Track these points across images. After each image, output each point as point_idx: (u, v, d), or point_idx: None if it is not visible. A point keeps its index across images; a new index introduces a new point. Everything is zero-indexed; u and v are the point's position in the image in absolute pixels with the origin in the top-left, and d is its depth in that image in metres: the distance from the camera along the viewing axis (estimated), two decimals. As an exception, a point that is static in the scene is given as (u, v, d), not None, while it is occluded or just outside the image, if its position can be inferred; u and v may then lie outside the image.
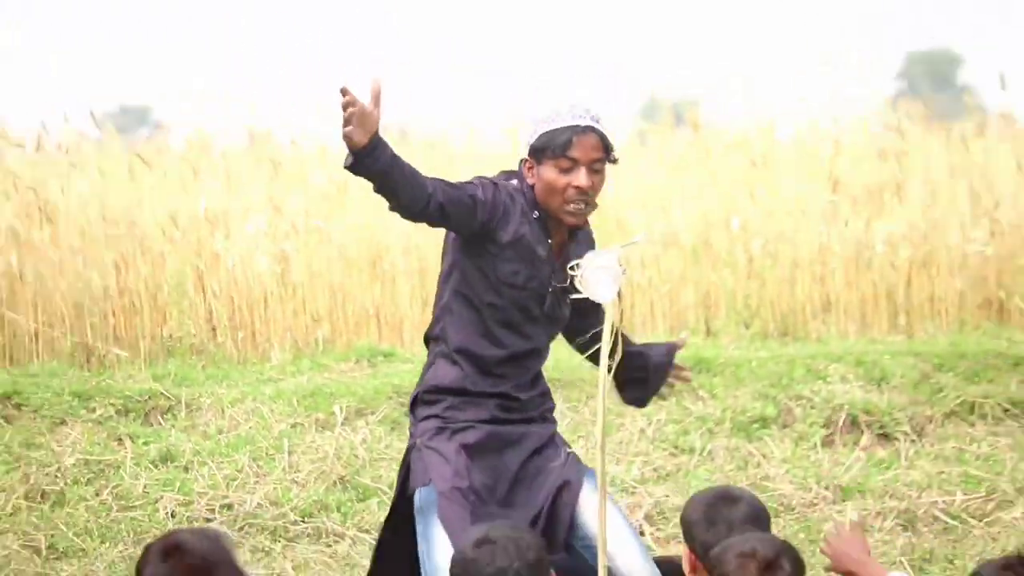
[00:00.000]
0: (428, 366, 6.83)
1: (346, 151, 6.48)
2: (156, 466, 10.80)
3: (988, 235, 13.49)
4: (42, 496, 10.56)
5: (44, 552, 10.11)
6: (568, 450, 6.78)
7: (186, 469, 10.79)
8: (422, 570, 6.56)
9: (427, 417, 6.75)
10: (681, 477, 10.99)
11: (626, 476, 10.83)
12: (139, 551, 6.20)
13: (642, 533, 10.16)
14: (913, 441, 11.46)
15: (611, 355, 6.01)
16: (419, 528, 6.58)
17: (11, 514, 10.42)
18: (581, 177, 6.55)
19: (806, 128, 15.26)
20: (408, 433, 6.98)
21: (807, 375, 11.86)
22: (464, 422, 6.70)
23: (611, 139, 6.62)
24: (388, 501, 10.49)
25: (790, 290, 13.38)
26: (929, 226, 13.52)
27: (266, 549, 10.26)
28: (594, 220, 7.25)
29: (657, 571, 6.60)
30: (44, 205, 13.01)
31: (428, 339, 6.88)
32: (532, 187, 6.66)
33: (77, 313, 12.59)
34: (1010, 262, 13.47)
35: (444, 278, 6.80)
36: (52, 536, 10.24)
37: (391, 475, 10.74)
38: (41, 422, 11.13)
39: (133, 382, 11.71)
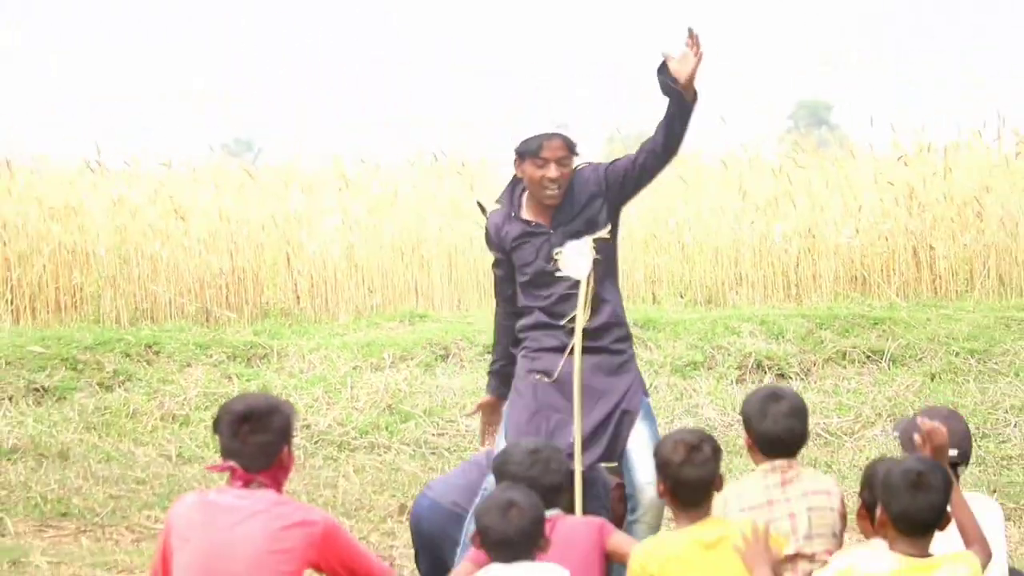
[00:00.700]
0: (517, 321, 6.71)
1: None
2: (255, 397, 10.71)
3: (854, 231, 13.38)
4: (173, 418, 10.52)
5: (174, 459, 10.07)
6: (631, 382, 6.56)
7: (277, 399, 10.68)
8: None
9: (519, 351, 6.66)
10: (634, 405, 10.80)
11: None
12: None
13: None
14: (802, 379, 11.31)
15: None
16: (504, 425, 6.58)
17: (151, 431, 10.40)
18: (551, 170, 6.55)
19: (724, 153, 15.17)
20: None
21: (725, 331, 11.69)
22: (541, 349, 6.57)
23: (573, 140, 6.60)
24: (425, 424, 10.53)
25: (713, 270, 13.27)
26: (812, 225, 13.43)
27: (334, 457, 10.20)
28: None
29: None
30: (178, 208, 12.92)
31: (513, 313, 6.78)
32: (520, 180, 6.65)
33: (200, 286, 12.52)
34: (870, 250, 13.35)
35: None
36: (180, 447, 10.22)
37: (426, 403, 10.74)
38: (173, 364, 11.05)
39: (239, 336, 11.65)
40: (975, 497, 5.73)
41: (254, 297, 12.55)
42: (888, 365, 11.46)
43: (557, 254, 6.53)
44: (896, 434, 5.87)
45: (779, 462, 5.75)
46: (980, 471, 10.04)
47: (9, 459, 9.83)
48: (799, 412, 5.81)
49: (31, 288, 12.25)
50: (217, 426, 5.29)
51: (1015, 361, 11.45)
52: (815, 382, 11.28)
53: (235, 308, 12.44)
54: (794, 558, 5.57)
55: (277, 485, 5.30)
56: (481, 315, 12.00)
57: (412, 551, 6.91)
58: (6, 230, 12.40)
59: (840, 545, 5.65)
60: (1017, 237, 13.37)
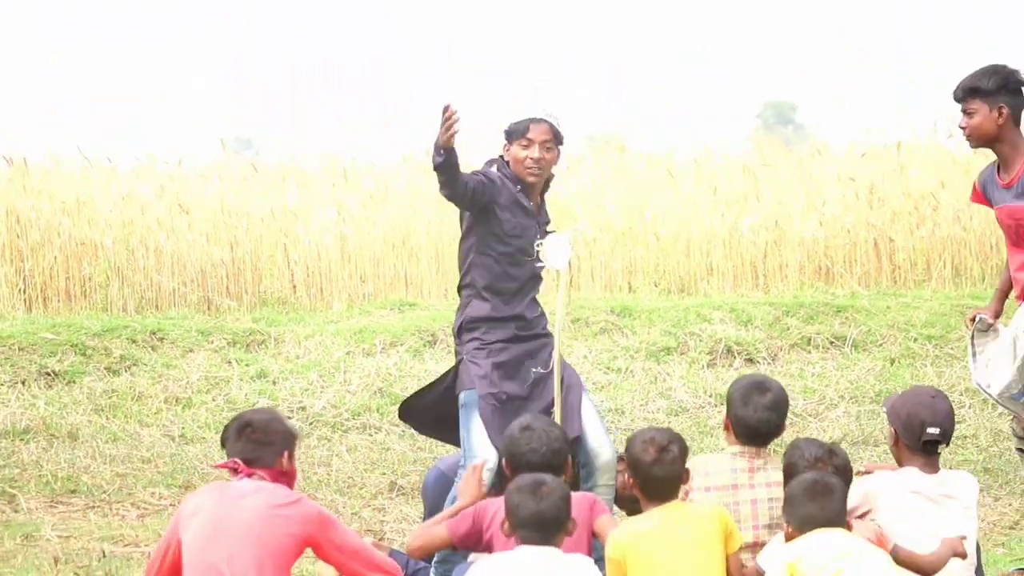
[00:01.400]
0: (464, 306, 6.70)
1: (438, 153, 6.41)
2: (254, 380, 10.70)
3: (818, 224, 13.33)
4: (176, 401, 10.45)
5: (177, 439, 10.02)
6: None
7: (274, 383, 10.67)
8: (463, 447, 6.54)
9: (470, 340, 6.62)
10: (612, 389, 10.81)
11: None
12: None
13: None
14: (769, 364, 11.24)
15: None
16: (461, 418, 6.56)
17: (156, 413, 10.33)
18: (535, 151, 6.57)
19: (696, 152, 15.13)
20: (454, 352, 6.80)
21: (697, 318, 11.63)
22: (496, 342, 6.58)
23: (560, 130, 6.62)
24: None
25: (686, 261, 13.19)
26: (778, 218, 13.36)
27: (328, 437, 10.14)
28: (553, 213, 7.20)
29: (612, 446, 6.60)
30: (182, 202, 12.81)
31: (460, 288, 6.75)
32: (507, 163, 6.65)
33: (202, 276, 12.38)
34: (833, 242, 13.29)
35: (464, 243, 6.71)
36: (183, 428, 10.15)
37: (415, 386, 10.53)
38: (176, 350, 10.96)
39: (239, 323, 11.56)
40: (957, 474, 5.71)
41: (253, 286, 12.43)
42: (850, 350, 11.43)
43: (538, 246, 6.55)
44: (885, 409, 5.85)
45: (749, 448, 5.71)
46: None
47: (22, 439, 9.80)
48: (779, 406, 5.77)
49: (43, 278, 12.18)
50: (224, 441, 5.42)
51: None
52: (781, 366, 11.22)
53: (235, 297, 12.34)
54: (752, 546, 5.50)
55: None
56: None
57: (405, 525, 6.95)
58: (20, 223, 12.31)
59: None
60: (970, 230, 13.35)
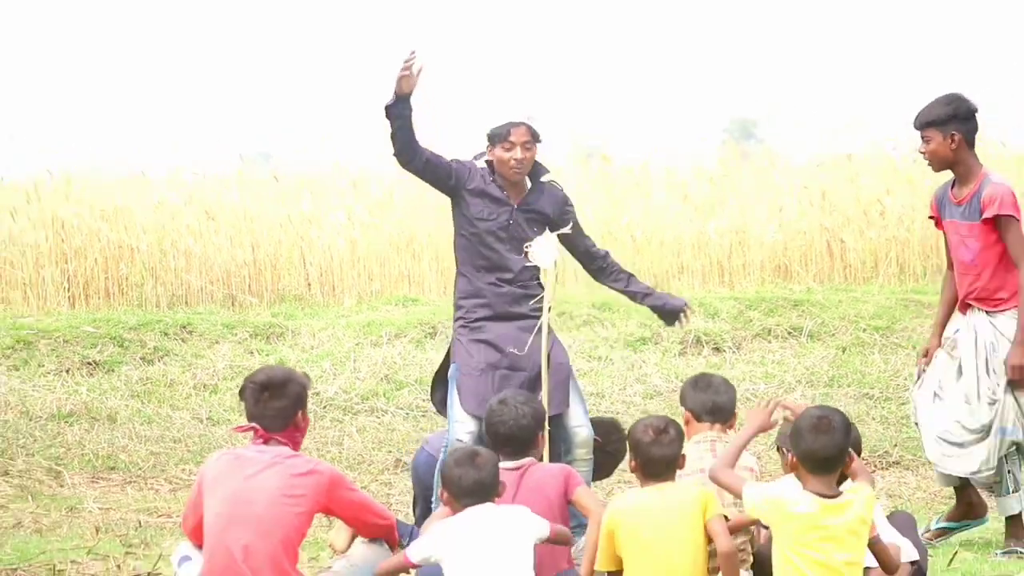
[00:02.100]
0: (455, 287, 6.72)
1: (391, 95, 6.39)
2: (273, 368, 10.66)
3: (777, 227, 13.37)
4: (204, 387, 10.46)
5: (205, 421, 10.03)
6: (553, 341, 6.57)
7: (292, 370, 10.63)
8: (448, 414, 6.51)
9: (458, 318, 6.63)
10: (593, 375, 10.83)
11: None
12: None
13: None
14: (734, 352, 11.29)
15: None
16: (450, 389, 6.52)
17: (186, 398, 10.35)
18: (516, 152, 6.57)
19: (669, 162, 15.14)
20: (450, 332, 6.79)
21: (669, 312, 11.61)
22: (476, 320, 6.55)
23: (538, 130, 6.61)
24: (417, 391, 10.49)
25: (659, 260, 13.23)
26: (742, 222, 13.41)
27: (339, 419, 10.16)
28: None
29: (590, 425, 6.57)
30: (208, 208, 12.84)
31: (456, 274, 6.76)
32: (490, 162, 6.64)
33: (227, 276, 12.41)
34: (791, 243, 13.34)
35: (455, 230, 6.72)
36: (210, 412, 10.17)
37: (417, 373, 10.67)
38: (204, 342, 10.99)
39: (260, 318, 11.58)
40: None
41: (272, 285, 12.46)
42: (806, 340, 11.47)
43: (527, 246, 6.53)
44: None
45: (711, 433, 5.76)
46: (883, 428, 10.08)
47: (67, 422, 9.82)
48: (728, 389, 5.89)
49: (84, 278, 12.21)
50: (242, 394, 5.39)
51: (912, 336, 11.49)
52: (745, 355, 11.27)
53: (256, 294, 12.36)
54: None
55: (294, 444, 5.35)
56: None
57: (409, 498, 6.93)
58: (64, 229, 12.35)
59: None
60: (914, 231, 13.41)
